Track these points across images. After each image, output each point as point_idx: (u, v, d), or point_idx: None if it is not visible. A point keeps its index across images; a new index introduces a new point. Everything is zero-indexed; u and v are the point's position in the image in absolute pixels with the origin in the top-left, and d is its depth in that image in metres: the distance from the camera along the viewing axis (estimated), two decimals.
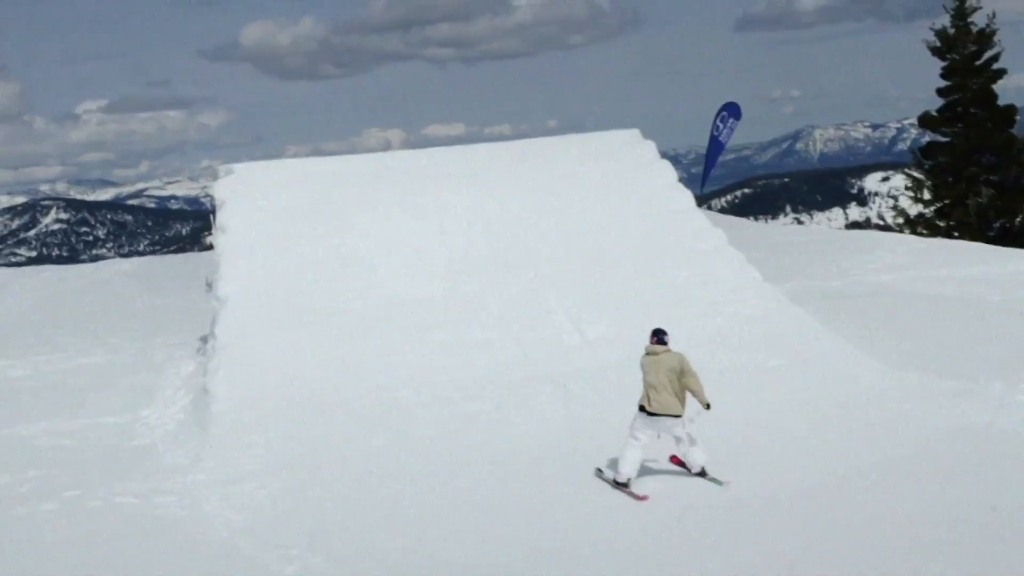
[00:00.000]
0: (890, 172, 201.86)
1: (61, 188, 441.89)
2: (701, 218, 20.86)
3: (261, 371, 16.96)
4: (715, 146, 37.07)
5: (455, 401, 16.21)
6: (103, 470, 14.21)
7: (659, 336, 12.84)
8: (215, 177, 21.55)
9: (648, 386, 12.51)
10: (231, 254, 19.51)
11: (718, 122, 37.06)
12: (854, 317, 19.60)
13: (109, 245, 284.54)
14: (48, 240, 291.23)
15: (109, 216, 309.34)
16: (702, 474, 12.64)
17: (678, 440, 12.63)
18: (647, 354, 12.79)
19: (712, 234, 20.46)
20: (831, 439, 13.69)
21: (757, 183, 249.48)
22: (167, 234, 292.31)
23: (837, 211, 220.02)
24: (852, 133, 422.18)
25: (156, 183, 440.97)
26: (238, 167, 21.50)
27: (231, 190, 20.77)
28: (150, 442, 15.47)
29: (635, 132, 22.93)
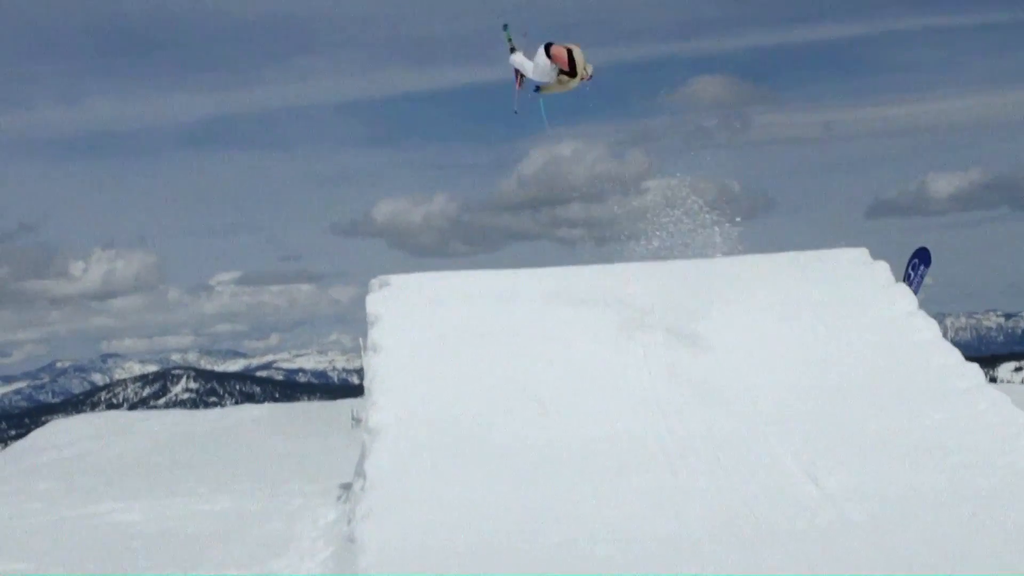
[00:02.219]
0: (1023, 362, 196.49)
1: (192, 358, 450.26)
2: (951, 351, 17.22)
3: (420, 518, 13.67)
4: None
5: (665, 562, 12.75)
6: None
7: None
8: (368, 291, 18.68)
9: None
10: (386, 378, 16.40)
11: (909, 270, 33.67)
12: None
13: None
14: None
15: (238, 387, 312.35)
16: None
17: None
18: None
19: (967, 370, 16.81)
20: None
21: None
22: None
23: None
24: (984, 322, 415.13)
25: (285, 355, 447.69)
26: (394, 279, 18.58)
27: (386, 305, 17.79)
28: None
29: (863, 251, 19.57)
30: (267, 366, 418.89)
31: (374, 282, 18.71)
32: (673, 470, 14.83)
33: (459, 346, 17.02)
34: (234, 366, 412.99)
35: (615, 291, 18.18)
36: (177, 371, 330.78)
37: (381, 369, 16.56)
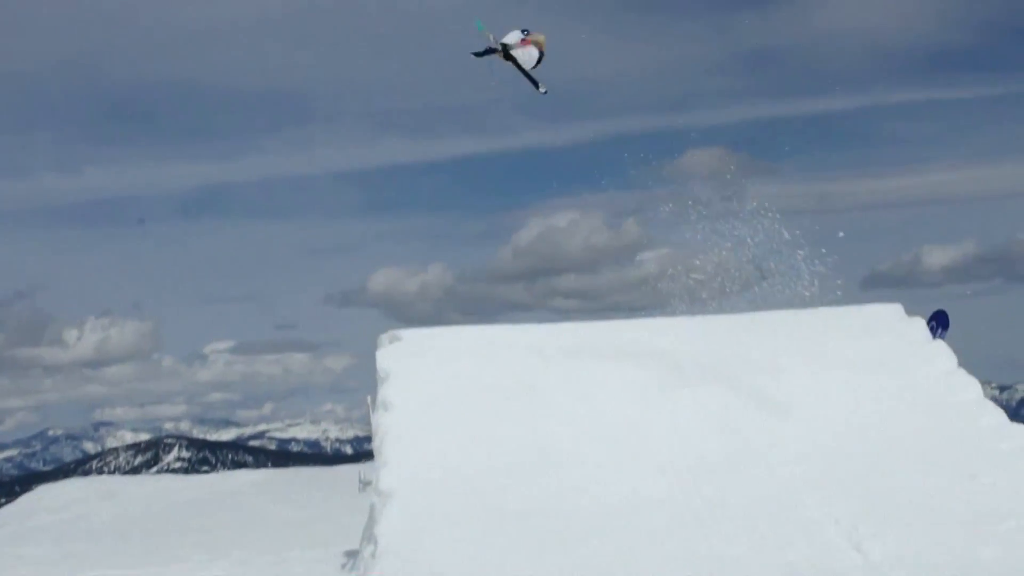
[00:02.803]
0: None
1: (185, 427, 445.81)
2: (995, 411, 16.23)
3: None
4: None
5: None
6: None
7: None
8: (377, 346, 17.68)
9: None
10: (397, 438, 15.38)
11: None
12: None
13: None
14: None
15: (230, 456, 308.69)
16: None
17: None
18: None
19: (1013, 431, 15.82)
20: None
21: None
22: None
23: None
24: None
25: (278, 424, 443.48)
26: (406, 333, 17.61)
27: (397, 361, 16.79)
28: None
29: (898, 308, 18.62)
30: (260, 435, 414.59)
31: (383, 337, 17.74)
32: (706, 536, 13.78)
33: (475, 403, 16.02)
34: (227, 435, 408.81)
35: (641, 345, 17.21)
36: (169, 440, 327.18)
37: (392, 428, 15.55)
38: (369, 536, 14.28)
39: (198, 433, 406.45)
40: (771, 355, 17.09)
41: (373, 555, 13.69)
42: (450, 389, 16.29)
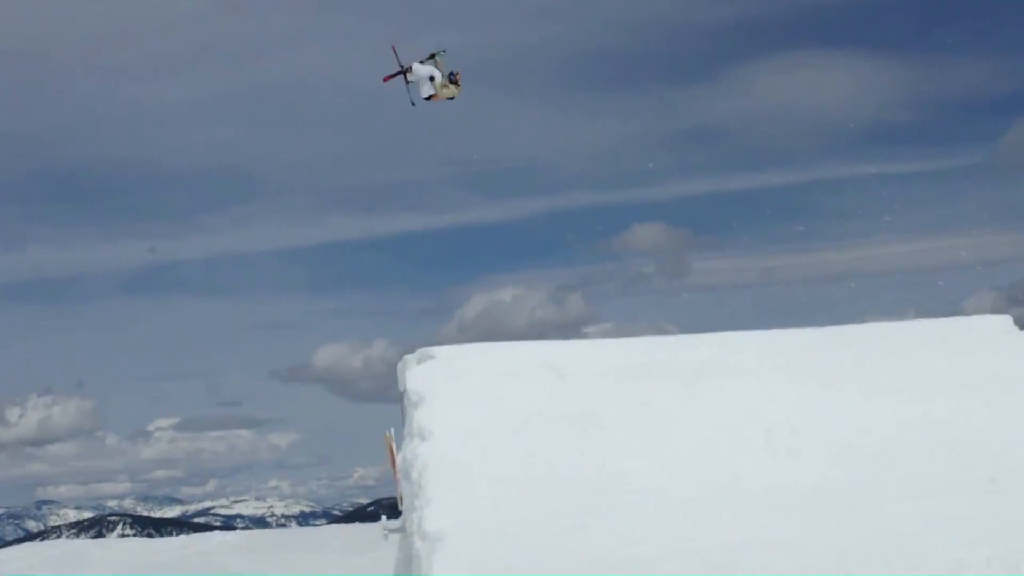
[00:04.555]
0: None
1: (128, 504, 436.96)
2: None
3: None
4: None
5: None
6: None
7: None
8: (404, 365, 15.01)
9: None
10: (440, 473, 12.69)
11: None
12: None
13: None
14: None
15: (175, 533, 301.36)
16: None
17: None
18: None
19: None
20: None
21: None
22: None
23: None
24: None
25: (223, 501, 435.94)
26: (438, 351, 14.95)
27: (432, 382, 14.12)
28: None
29: (1007, 319, 16.26)
30: (204, 512, 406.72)
31: (410, 358, 15.08)
32: None
33: (529, 432, 13.39)
34: (171, 512, 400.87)
35: (714, 363, 14.67)
36: (113, 517, 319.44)
37: (433, 461, 12.86)
38: None
39: (142, 510, 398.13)
40: (869, 372, 14.62)
41: None
42: (498, 415, 13.68)
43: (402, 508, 15.28)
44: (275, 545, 26.35)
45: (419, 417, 13.64)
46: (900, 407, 14.03)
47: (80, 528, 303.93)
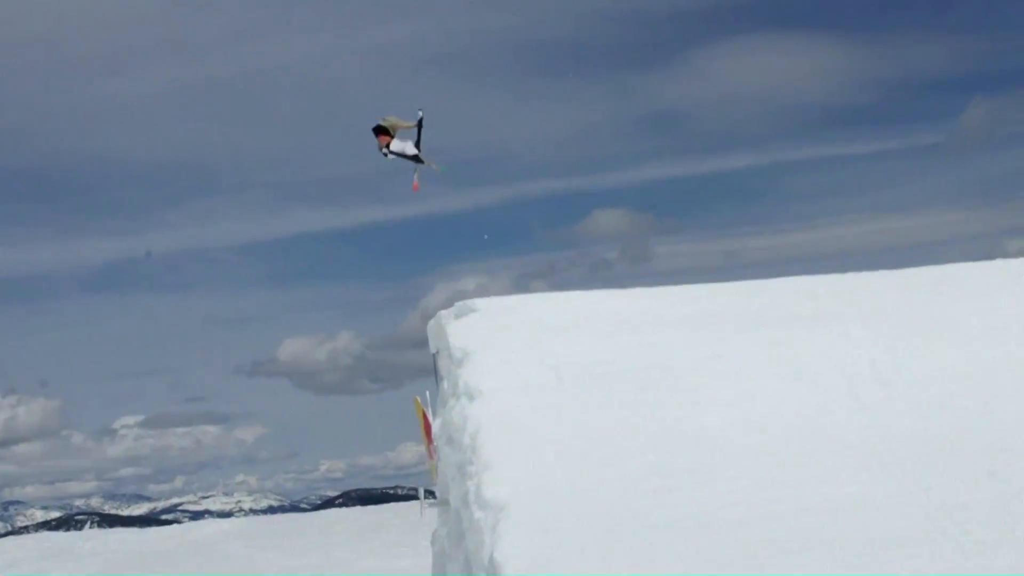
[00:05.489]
0: None
1: (96, 503, 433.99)
2: None
3: None
4: None
5: None
6: None
7: None
8: (439, 322, 13.54)
9: None
10: (497, 434, 11.25)
11: None
12: None
13: None
14: None
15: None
16: None
17: None
18: None
19: None
20: None
21: None
22: None
23: None
24: None
25: (191, 497, 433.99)
26: (481, 303, 13.50)
27: (477, 337, 12.63)
28: None
29: None
30: (172, 509, 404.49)
31: (445, 313, 13.61)
32: (931, 552, 9.90)
33: (592, 390, 11.93)
34: (139, 510, 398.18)
35: (786, 308, 13.28)
36: (81, 516, 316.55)
37: (487, 421, 11.40)
38: (479, 562, 10.17)
39: (110, 509, 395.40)
40: (955, 318, 13.26)
41: None
42: (554, 371, 12.23)
43: (435, 481, 13.86)
44: (279, 531, 24.97)
45: (465, 375, 12.16)
46: (987, 352, 12.71)
47: (48, 528, 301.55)
